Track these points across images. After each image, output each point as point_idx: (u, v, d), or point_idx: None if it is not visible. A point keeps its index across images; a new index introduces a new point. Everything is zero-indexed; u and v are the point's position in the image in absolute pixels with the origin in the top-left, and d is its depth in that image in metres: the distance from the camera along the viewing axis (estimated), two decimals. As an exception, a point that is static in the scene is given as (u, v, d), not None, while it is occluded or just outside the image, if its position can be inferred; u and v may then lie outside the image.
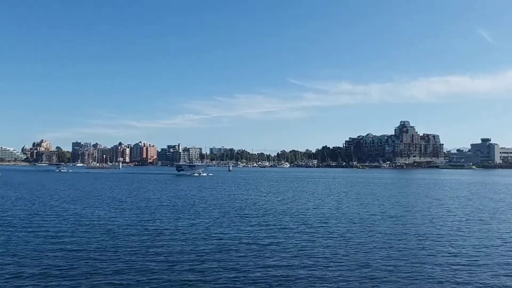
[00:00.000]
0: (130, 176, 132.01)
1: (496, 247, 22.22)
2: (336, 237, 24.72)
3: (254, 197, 52.18)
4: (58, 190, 63.55)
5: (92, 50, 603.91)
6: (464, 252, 21.04)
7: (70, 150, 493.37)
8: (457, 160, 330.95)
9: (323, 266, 17.96)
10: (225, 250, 21.01)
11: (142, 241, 23.04)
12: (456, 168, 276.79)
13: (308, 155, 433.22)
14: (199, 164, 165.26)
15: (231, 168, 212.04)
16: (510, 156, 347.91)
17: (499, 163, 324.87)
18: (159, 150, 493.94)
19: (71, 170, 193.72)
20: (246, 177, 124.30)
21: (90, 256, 19.40)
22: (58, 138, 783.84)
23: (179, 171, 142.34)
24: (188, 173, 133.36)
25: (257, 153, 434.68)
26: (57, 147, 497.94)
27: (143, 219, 31.75)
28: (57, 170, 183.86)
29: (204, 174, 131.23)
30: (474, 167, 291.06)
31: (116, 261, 18.57)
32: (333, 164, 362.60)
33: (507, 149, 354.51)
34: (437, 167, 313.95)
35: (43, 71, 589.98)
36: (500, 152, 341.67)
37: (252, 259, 19.13)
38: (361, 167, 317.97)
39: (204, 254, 20.06)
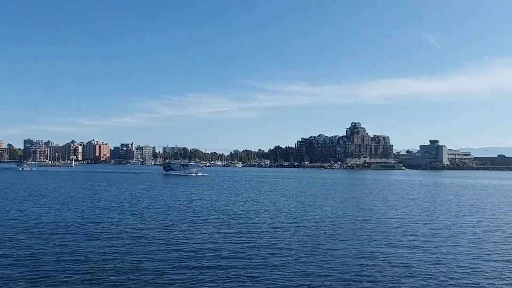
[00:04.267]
0: (109, 176, 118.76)
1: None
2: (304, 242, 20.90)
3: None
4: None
5: (42, 49, 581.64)
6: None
7: (22, 147, 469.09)
8: (408, 161, 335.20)
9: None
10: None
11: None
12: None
13: (261, 155, 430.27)
14: (192, 163, 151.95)
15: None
16: (457, 158, 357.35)
17: (447, 164, 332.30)
18: (112, 149, 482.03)
19: (34, 169, 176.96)
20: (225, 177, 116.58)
21: None
22: (10, 135, 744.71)
23: (167, 170, 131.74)
24: (181, 173, 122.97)
25: (210, 153, 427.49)
26: (9, 144, 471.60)
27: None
28: (20, 168, 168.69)
29: (200, 174, 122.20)
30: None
31: None
32: (285, 164, 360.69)
33: (455, 151, 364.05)
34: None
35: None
36: (448, 154, 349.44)
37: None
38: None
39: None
